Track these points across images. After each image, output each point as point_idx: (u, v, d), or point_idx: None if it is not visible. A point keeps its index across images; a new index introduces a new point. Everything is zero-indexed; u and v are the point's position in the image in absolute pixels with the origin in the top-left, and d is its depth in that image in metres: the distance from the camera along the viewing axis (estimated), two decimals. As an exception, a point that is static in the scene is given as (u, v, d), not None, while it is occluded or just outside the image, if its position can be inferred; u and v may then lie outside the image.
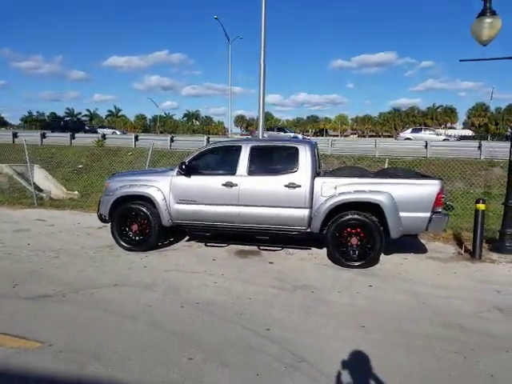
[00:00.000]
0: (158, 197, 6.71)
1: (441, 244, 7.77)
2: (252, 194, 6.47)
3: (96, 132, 37.61)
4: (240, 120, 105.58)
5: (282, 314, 4.50)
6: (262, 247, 7.06)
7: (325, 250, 6.66)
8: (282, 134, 36.45)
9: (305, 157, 6.42)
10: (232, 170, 6.60)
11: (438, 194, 5.96)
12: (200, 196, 6.63)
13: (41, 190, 15.36)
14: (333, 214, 6.22)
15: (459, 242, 7.68)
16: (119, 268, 5.96)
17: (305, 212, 6.33)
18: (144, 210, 6.76)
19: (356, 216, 6.12)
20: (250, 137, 34.62)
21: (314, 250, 7.08)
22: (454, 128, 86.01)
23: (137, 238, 6.88)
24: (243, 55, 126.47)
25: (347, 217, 6.14)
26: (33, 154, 18.00)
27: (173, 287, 5.22)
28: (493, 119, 79.11)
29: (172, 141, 22.11)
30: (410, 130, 33.85)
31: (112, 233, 6.93)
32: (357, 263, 6.12)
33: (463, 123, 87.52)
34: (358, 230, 6.17)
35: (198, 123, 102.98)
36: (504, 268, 6.39)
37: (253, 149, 6.65)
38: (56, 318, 4.26)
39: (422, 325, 4.29)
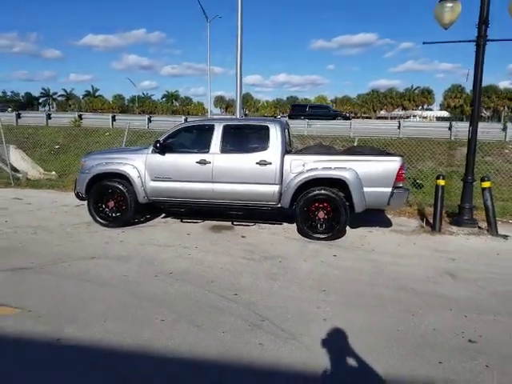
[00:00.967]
0: (133, 174, 6.91)
1: (405, 219, 8.22)
2: (225, 171, 6.73)
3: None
4: (220, 101, 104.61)
5: (249, 280, 4.83)
6: (235, 223, 7.36)
7: (295, 224, 7.00)
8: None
9: (275, 135, 6.69)
10: (205, 148, 6.83)
11: (399, 170, 6.34)
12: (175, 173, 6.86)
13: (17, 171, 15.24)
14: (301, 190, 6.55)
15: (423, 216, 8.14)
16: (96, 243, 6.18)
17: (275, 188, 6.64)
18: (120, 187, 6.95)
19: (323, 191, 6.46)
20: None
21: (285, 225, 7.42)
22: (431, 109, 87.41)
23: (113, 214, 7.09)
24: (223, 35, 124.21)
25: (314, 192, 6.47)
26: (8, 135, 17.81)
27: (148, 259, 5.48)
28: (468, 101, 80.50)
29: (150, 121, 22.07)
30: None
31: (89, 210, 7.11)
32: (323, 235, 6.50)
33: (440, 105, 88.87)
34: (325, 204, 6.52)
35: (177, 104, 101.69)
36: (461, 239, 6.86)
37: (225, 127, 6.88)
38: (35, 287, 4.49)
39: (378, 288, 4.69)
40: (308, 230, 6.57)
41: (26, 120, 22.73)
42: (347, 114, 37.31)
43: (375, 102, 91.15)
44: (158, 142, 6.84)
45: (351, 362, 3.26)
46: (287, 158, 6.66)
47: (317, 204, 6.56)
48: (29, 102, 72.51)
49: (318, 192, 6.48)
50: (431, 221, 7.46)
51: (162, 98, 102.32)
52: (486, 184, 7.17)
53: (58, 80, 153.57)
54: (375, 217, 7.80)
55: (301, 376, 3.07)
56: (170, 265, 5.29)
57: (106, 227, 6.99)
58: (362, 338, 3.59)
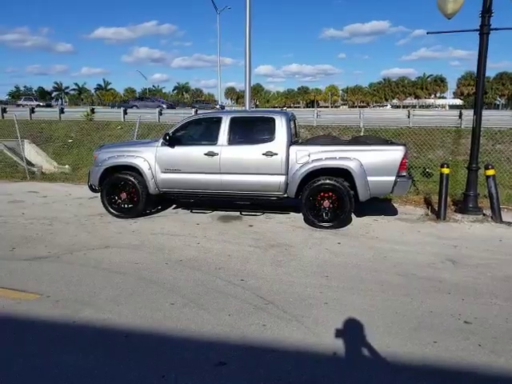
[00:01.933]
0: (144, 166, 7.14)
1: (411, 207, 8.33)
2: (232, 162, 6.92)
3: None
4: (230, 92, 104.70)
5: (255, 267, 5.04)
6: (243, 213, 7.57)
7: (301, 214, 7.17)
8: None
9: (281, 127, 6.84)
10: (213, 140, 7.02)
11: (403, 159, 6.46)
12: (184, 165, 7.07)
13: (32, 165, 15.65)
14: (307, 180, 6.71)
15: (429, 205, 8.24)
16: (109, 233, 6.45)
17: (281, 178, 6.81)
18: (131, 179, 7.19)
19: (328, 181, 6.61)
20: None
21: (292, 214, 7.60)
22: (444, 97, 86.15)
23: (126, 205, 7.35)
24: (233, 26, 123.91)
25: (320, 182, 6.63)
26: (22, 129, 18.22)
27: (159, 248, 5.72)
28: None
29: (160, 114, 22.25)
30: None
31: (102, 201, 7.38)
32: (329, 224, 6.66)
33: (453, 93, 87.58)
34: (330, 193, 6.68)
35: (188, 96, 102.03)
36: (465, 226, 6.96)
37: (232, 120, 7.06)
38: (52, 274, 4.76)
39: (379, 274, 4.85)
40: (313, 218, 6.74)
41: (39, 115, 23.14)
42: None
43: (387, 91, 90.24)
44: (167, 134, 7.05)
45: (349, 341, 3.44)
46: (293, 148, 6.82)
47: (322, 193, 6.72)
48: (41, 97, 73.42)
49: (323, 182, 6.64)
50: (437, 209, 7.56)
51: (173, 90, 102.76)
52: (490, 172, 7.23)
53: (70, 74, 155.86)
54: (381, 205, 7.93)
55: (301, 353, 3.26)
56: (180, 253, 5.52)
57: (118, 218, 7.26)
58: (361, 319, 3.77)
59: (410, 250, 5.71)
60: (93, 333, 3.53)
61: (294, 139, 7.25)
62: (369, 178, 6.49)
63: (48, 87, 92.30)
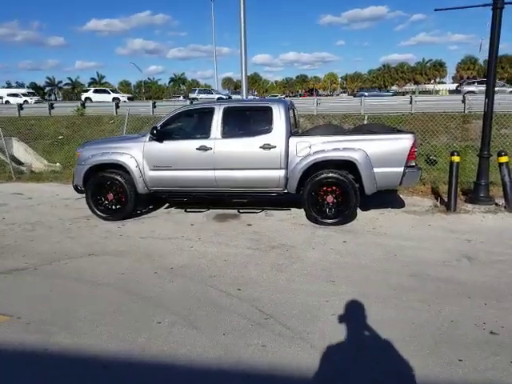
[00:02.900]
0: (131, 164, 6.62)
1: (419, 198, 7.84)
2: (227, 157, 6.40)
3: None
4: (228, 82, 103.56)
5: (254, 273, 4.56)
6: (241, 210, 7.07)
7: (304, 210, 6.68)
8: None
9: (279, 117, 6.31)
10: (206, 134, 6.49)
11: (411, 148, 5.95)
12: (174, 161, 6.55)
13: (21, 164, 15.11)
14: (308, 174, 6.20)
15: (437, 195, 7.75)
16: (95, 238, 5.96)
17: (280, 173, 6.30)
18: (118, 178, 6.68)
19: (331, 174, 6.11)
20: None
21: (293, 210, 7.10)
22: (444, 83, 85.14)
23: (113, 206, 6.84)
24: (229, 14, 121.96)
25: (322, 175, 6.12)
26: (11, 126, 17.66)
27: (147, 254, 5.24)
28: (482, 72, 78.28)
29: (154, 106, 21.70)
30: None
31: (88, 203, 6.87)
32: (333, 220, 6.17)
33: (452, 77, 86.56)
34: (334, 188, 6.18)
35: (184, 87, 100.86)
36: (477, 218, 6.48)
37: (226, 110, 6.52)
38: (27, 290, 4.27)
39: (390, 276, 4.38)
40: (316, 215, 6.24)
41: (27, 111, 22.53)
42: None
43: (386, 78, 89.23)
44: (154, 128, 6.52)
45: (361, 361, 2.98)
46: (292, 140, 6.30)
47: (325, 188, 6.21)
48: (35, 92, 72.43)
49: (325, 175, 6.13)
50: (446, 199, 7.07)
51: (169, 82, 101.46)
52: (504, 159, 6.74)
53: (63, 68, 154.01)
54: (387, 197, 7.42)
55: (307, 381, 2.80)
56: (171, 259, 5.04)
57: (106, 220, 6.76)
58: (374, 333, 3.31)
59: (421, 247, 5.24)
60: (66, 363, 3.05)
61: (293, 130, 6.73)
62: (375, 170, 5.98)
63: (41, 82, 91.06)
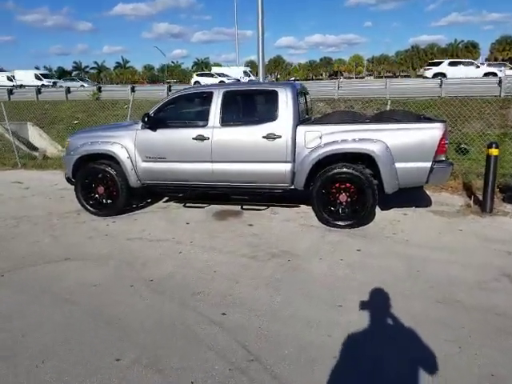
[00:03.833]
0: (122, 154, 5.95)
1: (448, 195, 6.90)
2: (226, 148, 5.64)
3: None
4: (250, 66, 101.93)
5: (246, 290, 3.83)
6: (245, 207, 6.33)
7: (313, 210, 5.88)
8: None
9: (285, 102, 5.48)
10: (203, 121, 5.74)
11: (441, 140, 5.02)
12: (168, 152, 5.84)
13: (36, 149, 14.79)
14: (318, 168, 5.38)
15: (470, 192, 6.79)
16: (78, 238, 5.34)
17: (286, 167, 5.51)
18: (109, 170, 6.02)
19: (344, 169, 5.26)
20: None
21: (302, 207, 6.30)
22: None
23: (104, 201, 6.21)
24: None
25: (334, 170, 5.29)
26: (27, 111, 17.37)
27: (129, 260, 4.57)
28: (519, 53, 74.14)
29: (170, 90, 21.01)
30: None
31: (77, 197, 6.26)
32: (346, 223, 5.35)
33: (485, 59, 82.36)
34: (348, 185, 5.34)
35: (207, 71, 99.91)
36: (519, 222, 5.54)
37: (226, 95, 5.72)
38: (-19, 305, 3.68)
39: (412, 302, 3.56)
40: (327, 216, 5.43)
41: (46, 95, 22.26)
42: None
43: (415, 60, 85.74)
44: (147, 115, 5.81)
45: None
46: (300, 129, 5.47)
47: (337, 184, 5.37)
48: (61, 77, 72.93)
49: (338, 170, 5.29)
50: (480, 197, 6.13)
51: (193, 66, 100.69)
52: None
53: (91, 52, 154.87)
54: (411, 194, 6.48)
55: None
56: (154, 268, 4.36)
57: (96, 215, 6.15)
58: (385, 390, 2.54)
59: (450, 260, 4.38)
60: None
61: (303, 117, 5.89)
62: (397, 165, 5.10)
63: (68, 67, 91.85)
